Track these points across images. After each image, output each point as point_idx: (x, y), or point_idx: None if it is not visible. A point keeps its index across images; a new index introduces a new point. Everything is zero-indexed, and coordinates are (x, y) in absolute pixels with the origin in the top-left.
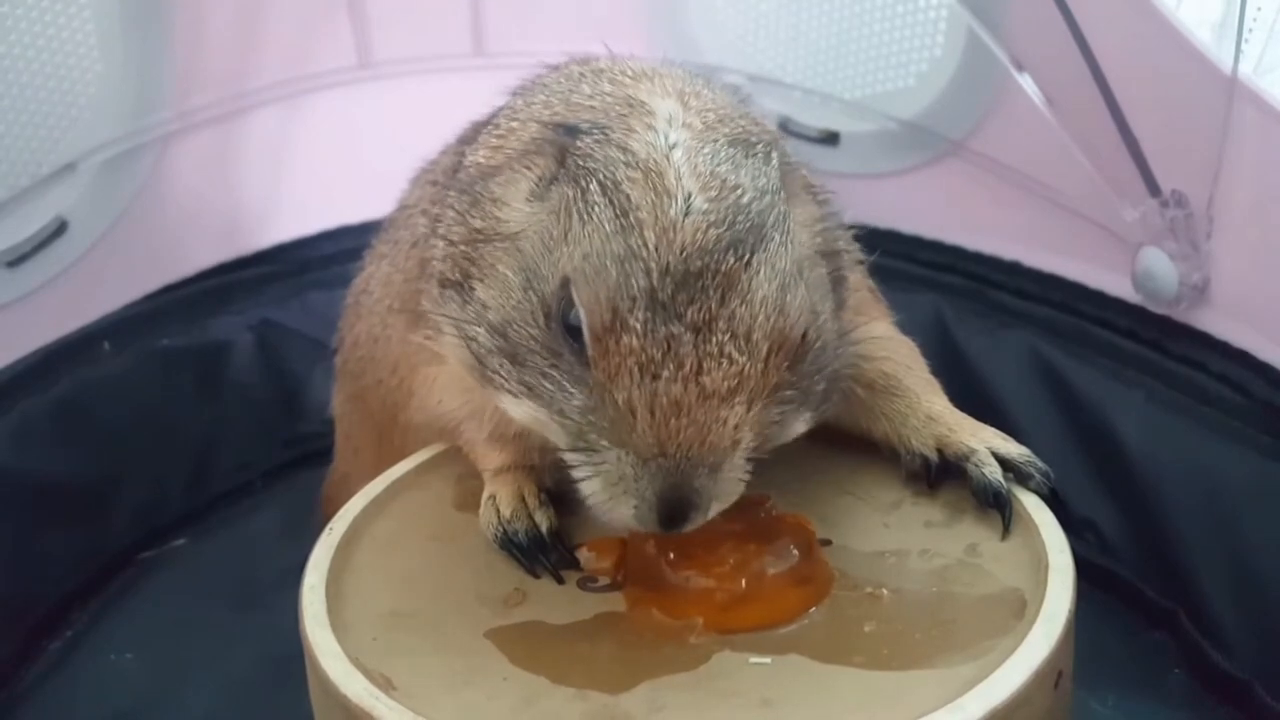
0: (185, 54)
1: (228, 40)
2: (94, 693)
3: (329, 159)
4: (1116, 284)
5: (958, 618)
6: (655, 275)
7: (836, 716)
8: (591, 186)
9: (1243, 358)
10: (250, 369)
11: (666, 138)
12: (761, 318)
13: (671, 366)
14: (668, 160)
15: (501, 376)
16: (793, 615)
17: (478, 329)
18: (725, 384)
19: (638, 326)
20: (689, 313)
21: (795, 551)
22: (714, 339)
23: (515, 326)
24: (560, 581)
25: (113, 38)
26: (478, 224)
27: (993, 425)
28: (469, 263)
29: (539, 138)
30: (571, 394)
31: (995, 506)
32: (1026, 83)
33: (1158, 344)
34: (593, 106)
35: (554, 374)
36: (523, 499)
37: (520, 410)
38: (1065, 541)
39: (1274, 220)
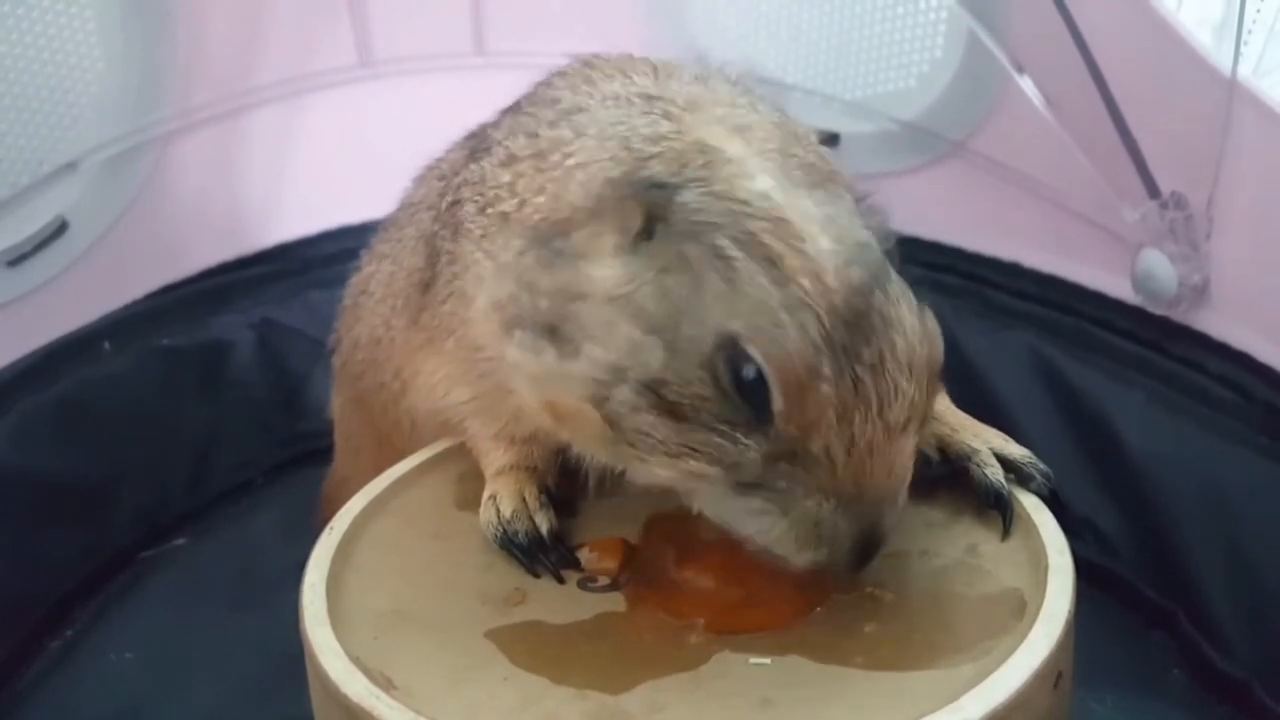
0: (186, 53)
1: (229, 39)
2: (94, 692)
3: (330, 158)
4: (1116, 285)
5: (957, 618)
6: (828, 321)
7: (836, 717)
8: (721, 242)
9: (1242, 359)
10: (251, 368)
11: (763, 185)
12: (916, 346)
13: (863, 409)
14: (783, 207)
15: (655, 438)
16: (793, 617)
17: (617, 388)
18: (903, 417)
19: (830, 375)
20: (864, 353)
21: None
22: (886, 375)
23: (672, 386)
24: (561, 581)
25: (114, 36)
26: (565, 278)
27: (992, 426)
28: (560, 318)
29: (613, 192)
30: (748, 446)
31: (996, 507)
32: (1027, 84)
33: (1157, 345)
34: (660, 154)
35: (724, 428)
36: (523, 499)
37: (674, 470)
38: (1065, 542)
39: (1274, 221)
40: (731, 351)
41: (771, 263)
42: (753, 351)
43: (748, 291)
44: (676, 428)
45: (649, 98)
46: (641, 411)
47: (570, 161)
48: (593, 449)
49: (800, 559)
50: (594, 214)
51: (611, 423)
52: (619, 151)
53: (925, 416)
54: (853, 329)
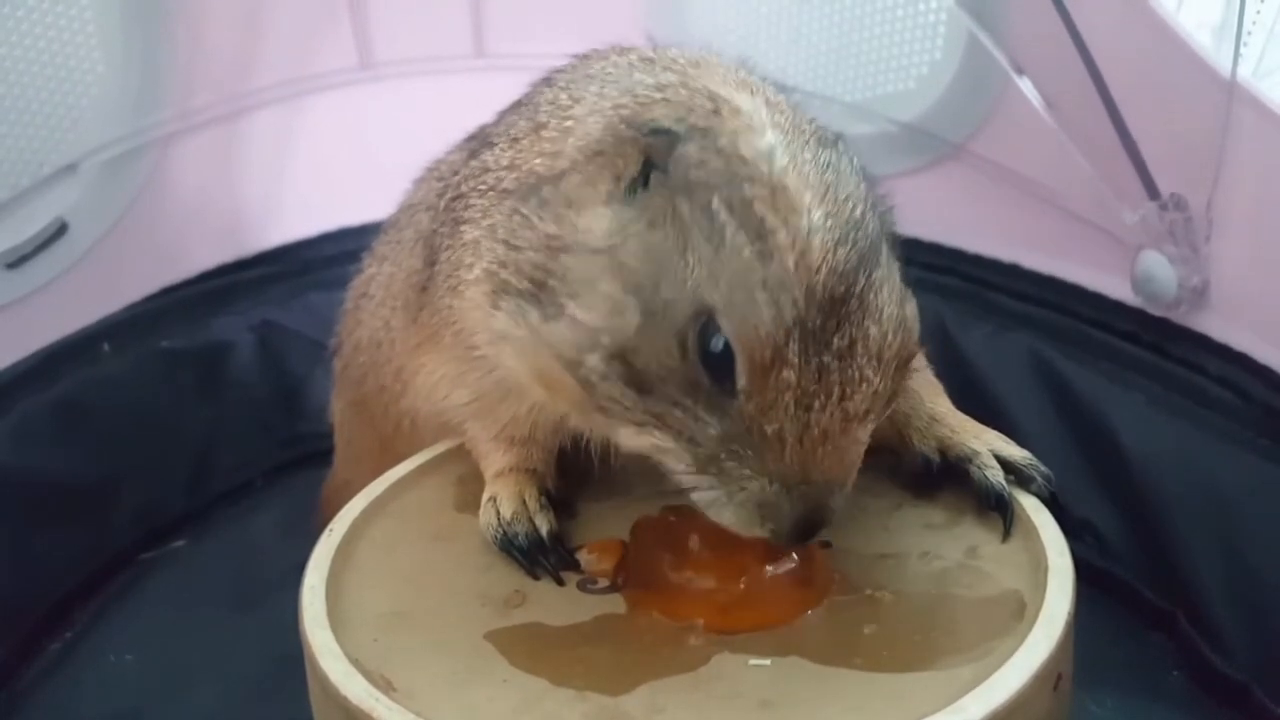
0: (186, 54)
1: (229, 41)
2: (94, 693)
3: (330, 159)
4: (1116, 287)
5: (957, 620)
6: (803, 305)
7: (836, 718)
8: (714, 204)
9: (1242, 360)
10: (251, 370)
11: (769, 143)
12: (890, 336)
13: (823, 397)
14: (785, 173)
15: (623, 406)
16: (792, 617)
17: (589, 355)
18: (863, 407)
19: (795, 360)
20: (834, 340)
21: (795, 554)
22: (854, 363)
23: (641, 355)
24: (560, 583)
25: (114, 38)
26: (551, 229)
27: (992, 427)
28: (544, 273)
29: (613, 135)
30: (707, 423)
31: (997, 509)
32: (1026, 86)
33: (1157, 346)
34: (665, 99)
35: (688, 403)
36: (523, 501)
37: (641, 440)
38: (1065, 544)
39: (1273, 223)
40: (706, 323)
41: (760, 235)
42: (725, 326)
43: (730, 262)
44: (641, 398)
45: (648, 59)
46: (609, 380)
47: (569, 121)
48: (580, 418)
49: (746, 533)
50: (590, 159)
51: (586, 388)
52: (620, 99)
53: (888, 404)
54: (828, 314)
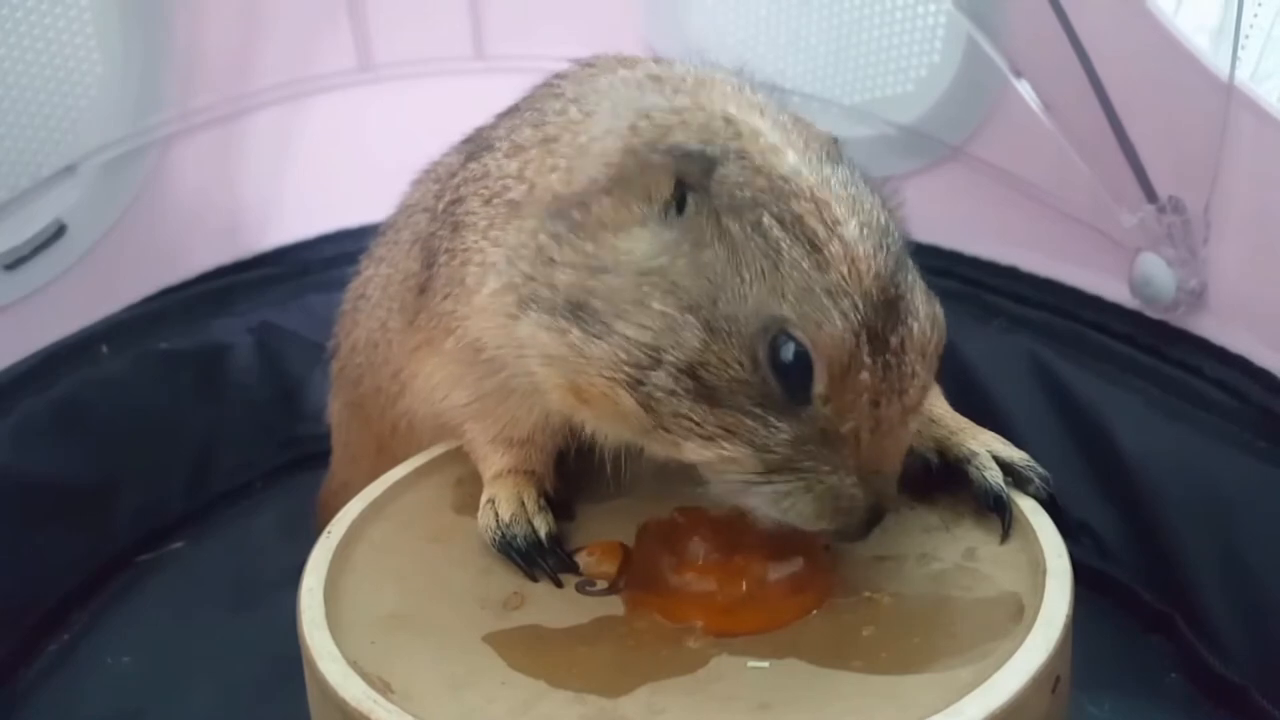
0: (185, 56)
1: (228, 42)
2: (92, 695)
3: (329, 161)
4: (1114, 289)
5: (956, 622)
6: (864, 308)
7: None
8: (765, 221)
9: (1240, 363)
10: (250, 371)
11: (794, 162)
12: (929, 331)
13: (889, 393)
14: (820, 188)
15: (692, 421)
16: (791, 620)
17: (652, 372)
18: (916, 399)
19: (869, 361)
20: (891, 340)
21: (797, 557)
22: (906, 360)
23: (710, 369)
24: (559, 585)
25: (113, 39)
26: (589, 248)
27: (990, 429)
28: (584, 292)
29: (637, 159)
30: (779, 429)
31: (995, 510)
32: (1024, 89)
33: (1155, 349)
34: (684, 123)
35: (758, 411)
36: (522, 503)
37: (707, 452)
38: (1063, 546)
39: (1271, 225)
40: (777, 334)
41: (815, 247)
42: (800, 336)
43: (792, 275)
44: (712, 411)
45: (656, 78)
46: (678, 395)
47: (583, 139)
48: (617, 430)
49: (815, 526)
50: (618, 182)
51: (646, 406)
52: (638, 121)
53: (927, 395)
54: (883, 315)
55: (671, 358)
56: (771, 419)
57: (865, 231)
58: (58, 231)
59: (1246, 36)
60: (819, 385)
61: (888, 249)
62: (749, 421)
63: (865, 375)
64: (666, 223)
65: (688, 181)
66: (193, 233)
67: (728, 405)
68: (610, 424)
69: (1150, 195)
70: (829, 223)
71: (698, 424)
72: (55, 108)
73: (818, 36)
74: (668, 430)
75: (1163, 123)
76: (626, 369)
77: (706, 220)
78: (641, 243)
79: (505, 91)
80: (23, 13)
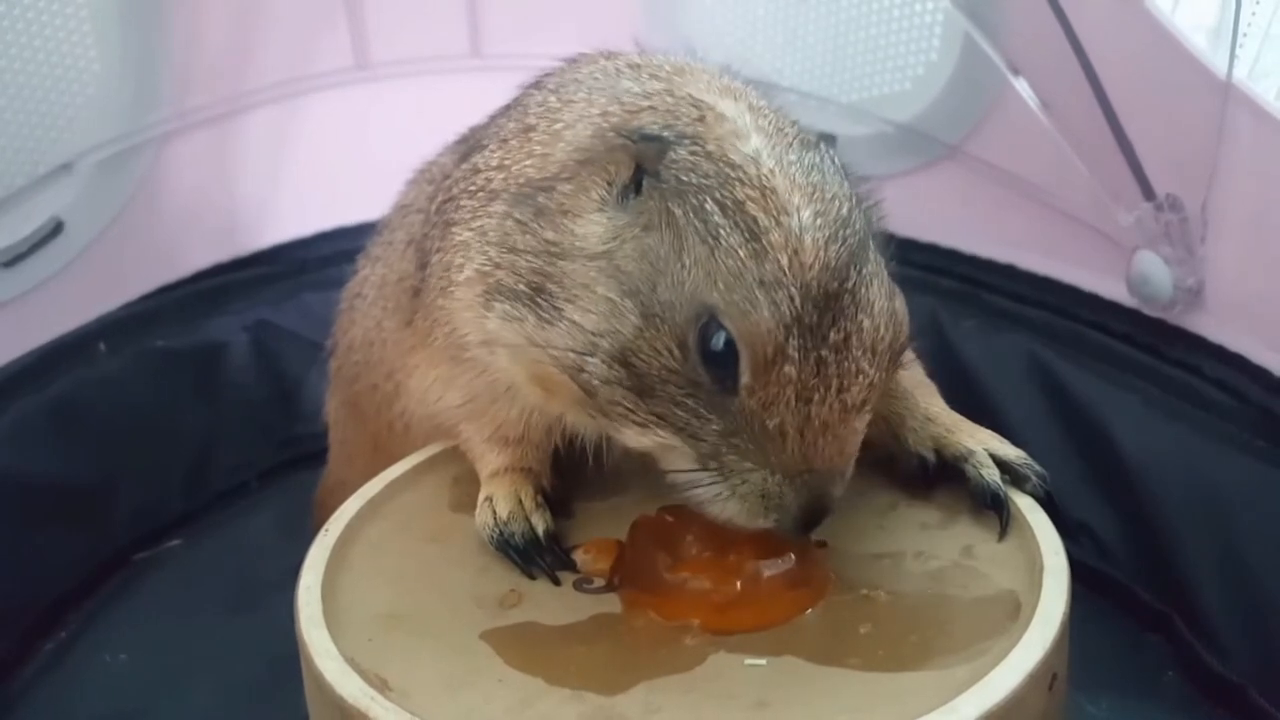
0: (182, 54)
1: (225, 41)
2: (89, 694)
3: (326, 160)
4: (1112, 288)
5: (953, 620)
6: (799, 301)
7: (831, 718)
8: (708, 206)
9: (1238, 361)
10: (246, 370)
11: (755, 147)
12: (883, 329)
13: (822, 390)
14: (773, 175)
15: (625, 407)
16: (788, 617)
17: (589, 359)
18: (860, 397)
19: (795, 355)
20: (831, 334)
21: (791, 554)
22: (850, 356)
23: (642, 357)
24: (556, 583)
25: (110, 37)
26: (549, 235)
27: (987, 427)
28: (542, 278)
29: (603, 143)
30: (709, 419)
31: (992, 508)
32: (1022, 87)
33: (1153, 347)
34: (652, 107)
35: (689, 402)
36: (519, 501)
37: (645, 439)
38: (1060, 544)
39: (1269, 224)
40: (708, 322)
41: (754, 235)
42: (727, 325)
43: (726, 262)
44: (643, 399)
45: (635, 66)
46: (611, 383)
47: (558, 125)
48: (579, 419)
49: (754, 525)
50: (583, 165)
51: (588, 391)
52: (609, 106)
53: (879, 394)
54: (823, 309)
55: (606, 344)
56: (702, 410)
57: (816, 222)
58: (55, 229)
59: (1244, 35)
60: (744, 376)
61: (842, 240)
62: (679, 412)
63: (791, 369)
64: (621, 207)
65: (645, 166)
66: (190, 231)
67: (659, 394)
68: (577, 412)
69: (1148, 193)
70: (772, 211)
71: (630, 409)
72: (52, 105)
73: (815, 35)
74: (607, 416)
75: (1160, 121)
76: (571, 355)
77: (657, 205)
78: (598, 227)
79: (502, 90)
80: (20, 10)
